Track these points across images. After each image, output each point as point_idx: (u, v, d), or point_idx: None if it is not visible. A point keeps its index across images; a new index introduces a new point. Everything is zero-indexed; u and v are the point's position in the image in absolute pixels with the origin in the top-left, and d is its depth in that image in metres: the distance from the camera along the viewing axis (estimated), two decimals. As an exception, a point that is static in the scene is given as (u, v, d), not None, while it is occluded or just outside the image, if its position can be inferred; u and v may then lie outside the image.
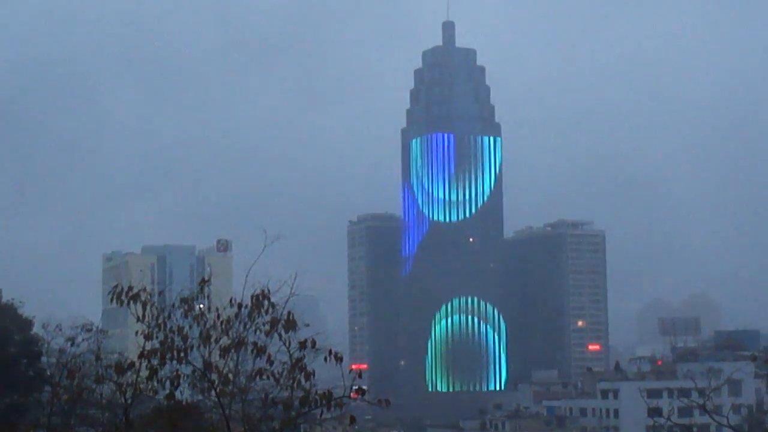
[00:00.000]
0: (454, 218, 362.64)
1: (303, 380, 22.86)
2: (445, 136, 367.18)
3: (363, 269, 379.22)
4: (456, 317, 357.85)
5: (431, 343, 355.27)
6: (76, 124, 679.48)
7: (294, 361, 22.89)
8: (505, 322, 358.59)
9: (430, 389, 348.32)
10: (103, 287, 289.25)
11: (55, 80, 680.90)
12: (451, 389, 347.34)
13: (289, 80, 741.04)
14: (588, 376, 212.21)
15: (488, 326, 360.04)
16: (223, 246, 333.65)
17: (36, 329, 46.78)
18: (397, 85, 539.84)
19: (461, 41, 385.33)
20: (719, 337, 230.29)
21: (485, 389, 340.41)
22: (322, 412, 23.09)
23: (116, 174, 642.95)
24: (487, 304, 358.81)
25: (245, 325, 23.20)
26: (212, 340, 23.25)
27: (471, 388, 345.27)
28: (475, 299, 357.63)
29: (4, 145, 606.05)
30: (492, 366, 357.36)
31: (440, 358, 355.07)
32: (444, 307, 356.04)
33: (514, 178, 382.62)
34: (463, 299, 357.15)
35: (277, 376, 22.96)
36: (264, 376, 23.05)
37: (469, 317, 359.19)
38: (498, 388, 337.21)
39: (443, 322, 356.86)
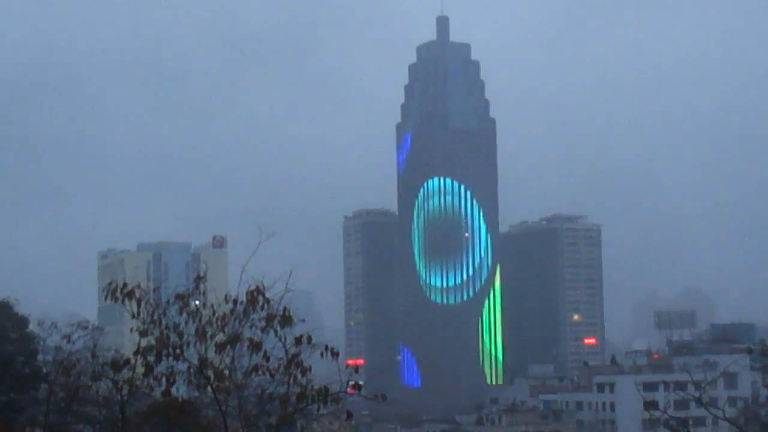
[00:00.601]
0: (449, 216, 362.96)
1: (299, 376, 22.84)
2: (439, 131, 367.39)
3: (359, 265, 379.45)
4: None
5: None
6: (73, 125, 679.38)
7: (290, 356, 22.88)
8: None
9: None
10: (99, 284, 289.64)
11: (53, 82, 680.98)
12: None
13: (283, 77, 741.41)
14: (584, 370, 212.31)
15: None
16: (219, 242, 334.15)
17: (32, 327, 46.80)
18: (391, 80, 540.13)
19: (455, 36, 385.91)
20: (715, 330, 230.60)
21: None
22: (318, 407, 23.08)
23: (112, 172, 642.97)
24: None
25: (241, 321, 23.18)
26: (208, 336, 23.22)
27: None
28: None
29: (2, 145, 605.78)
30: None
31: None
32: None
33: (509, 172, 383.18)
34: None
35: (273, 372, 22.94)
36: (260, 372, 23.03)
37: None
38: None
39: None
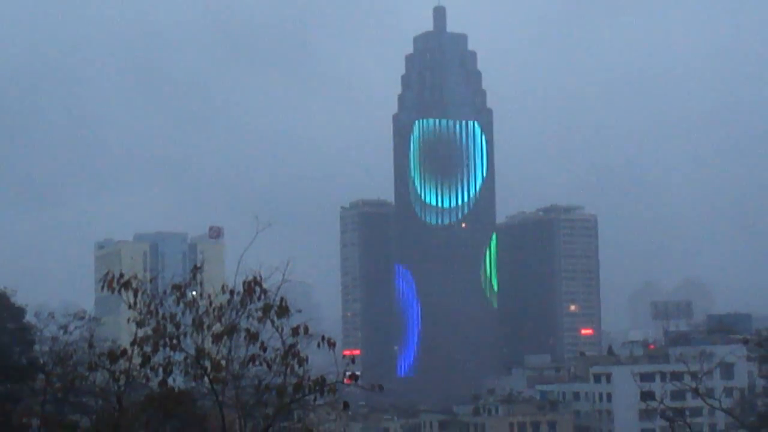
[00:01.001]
0: (446, 205, 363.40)
1: (296, 366, 22.85)
2: (437, 121, 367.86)
3: (355, 255, 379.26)
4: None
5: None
6: (69, 114, 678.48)
7: (287, 347, 22.88)
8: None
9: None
10: (96, 275, 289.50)
11: (49, 74, 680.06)
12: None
13: (280, 68, 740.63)
14: (581, 361, 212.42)
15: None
16: (216, 233, 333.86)
17: (29, 317, 46.84)
18: (388, 71, 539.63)
19: (452, 26, 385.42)
20: (711, 321, 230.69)
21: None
22: (315, 397, 23.10)
23: (108, 162, 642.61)
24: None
25: (238, 311, 23.17)
26: (205, 326, 23.22)
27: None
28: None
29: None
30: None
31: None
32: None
33: (506, 163, 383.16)
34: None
35: (270, 362, 22.95)
36: (257, 363, 23.04)
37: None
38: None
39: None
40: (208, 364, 23.24)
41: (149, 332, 23.06)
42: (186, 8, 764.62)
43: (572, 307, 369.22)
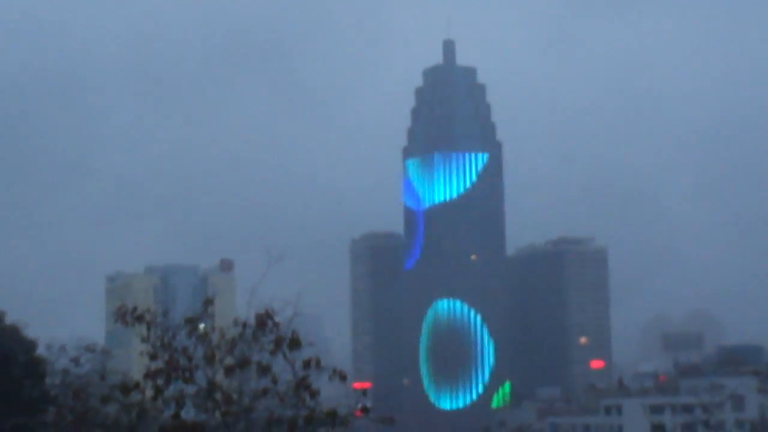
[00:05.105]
0: (456, 236, 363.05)
1: (308, 399, 22.97)
2: (446, 154, 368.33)
3: (366, 288, 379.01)
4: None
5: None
6: (77, 144, 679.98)
7: (299, 379, 23.01)
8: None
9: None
10: (106, 308, 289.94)
11: (53, 98, 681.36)
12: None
13: (290, 100, 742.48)
14: (591, 393, 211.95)
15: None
16: (226, 265, 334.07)
17: (40, 350, 46.95)
18: (398, 104, 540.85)
19: (462, 59, 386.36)
20: (722, 353, 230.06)
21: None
22: (326, 430, 23.21)
23: (118, 194, 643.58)
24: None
25: (249, 344, 23.34)
26: (217, 359, 23.38)
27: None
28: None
29: (4, 165, 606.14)
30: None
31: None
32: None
33: (515, 195, 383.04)
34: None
35: (281, 395, 23.08)
36: (269, 395, 23.17)
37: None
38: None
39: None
40: (219, 397, 23.37)
41: (162, 365, 23.22)
42: (199, 45, 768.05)
43: (582, 339, 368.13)
